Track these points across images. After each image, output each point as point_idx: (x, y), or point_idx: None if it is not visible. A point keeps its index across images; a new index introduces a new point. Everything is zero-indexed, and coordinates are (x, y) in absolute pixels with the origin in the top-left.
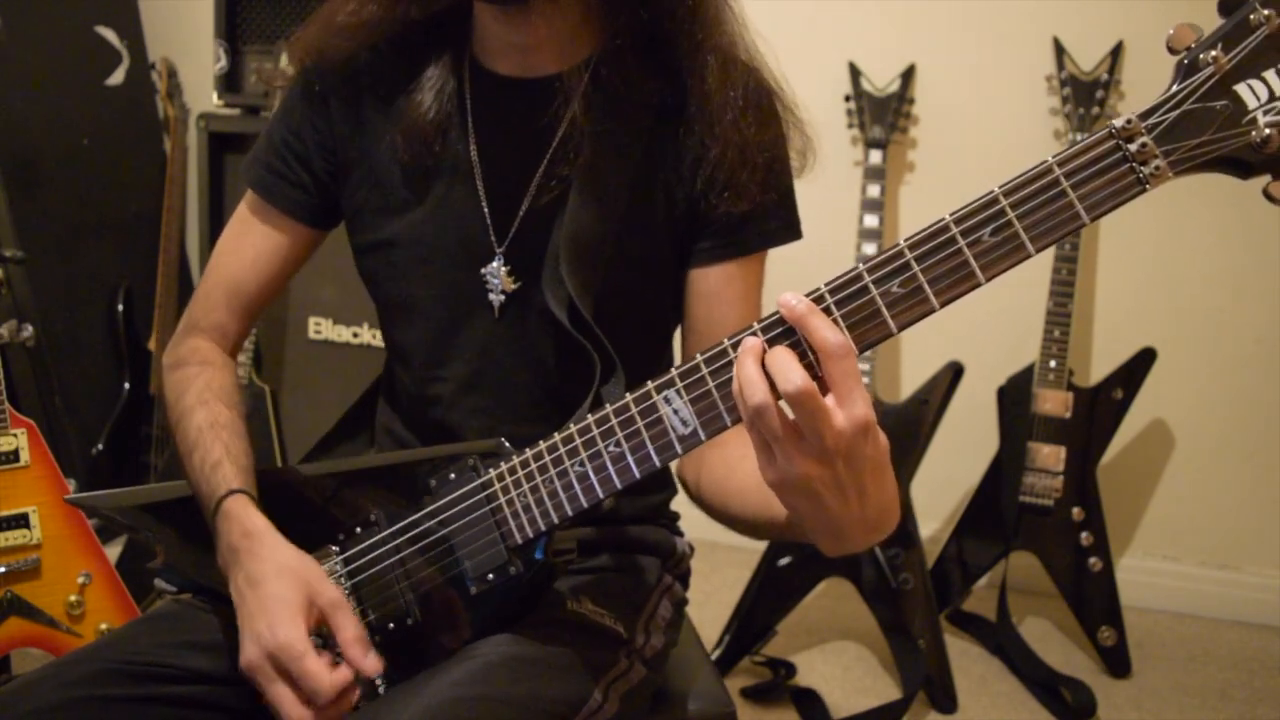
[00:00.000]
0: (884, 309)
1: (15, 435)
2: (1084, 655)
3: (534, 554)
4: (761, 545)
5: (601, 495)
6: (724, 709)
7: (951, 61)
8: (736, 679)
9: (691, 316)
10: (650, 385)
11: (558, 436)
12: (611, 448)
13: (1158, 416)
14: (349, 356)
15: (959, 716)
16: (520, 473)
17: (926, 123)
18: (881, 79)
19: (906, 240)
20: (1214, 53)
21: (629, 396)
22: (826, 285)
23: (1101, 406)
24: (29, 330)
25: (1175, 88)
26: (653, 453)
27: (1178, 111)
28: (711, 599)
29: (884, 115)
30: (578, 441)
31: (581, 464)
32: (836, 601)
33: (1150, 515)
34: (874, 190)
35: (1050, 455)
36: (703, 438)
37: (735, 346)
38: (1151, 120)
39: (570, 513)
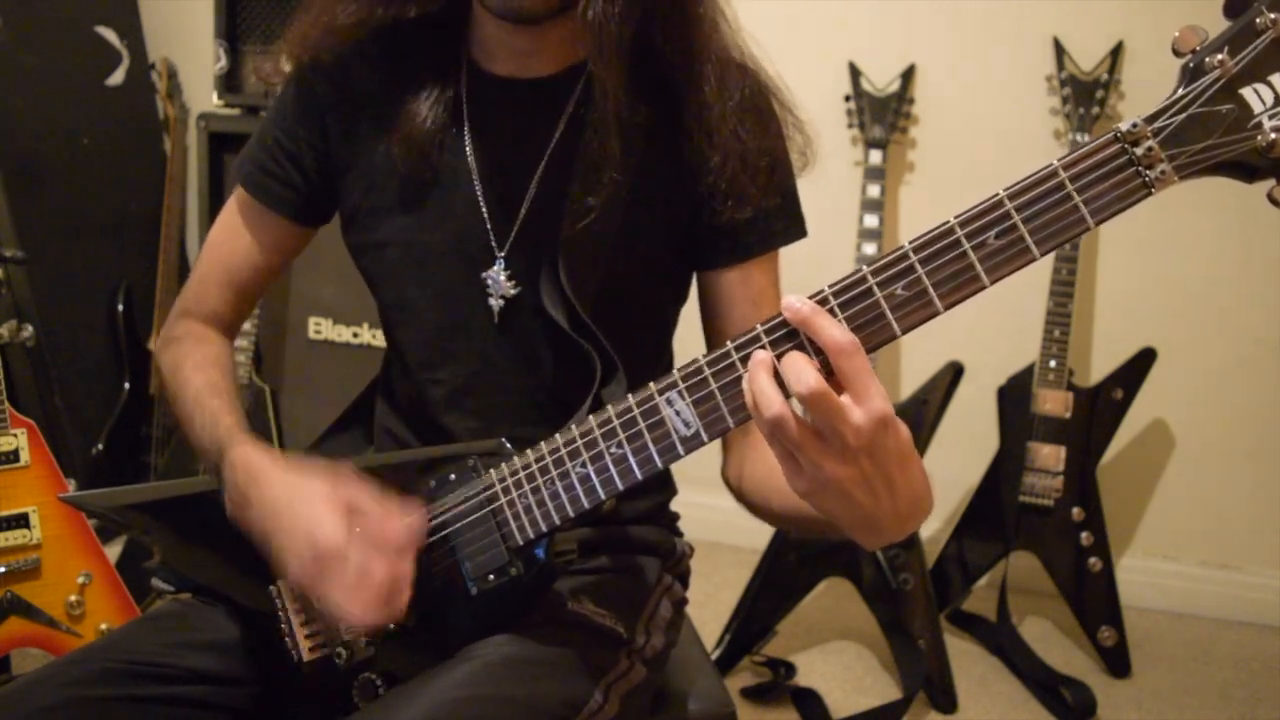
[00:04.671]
0: (888, 311)
1: (15, 435)
2: (1084, 655)
3: (535, 555)
4: (762, 545)
5: (603, 496)
6: (724, 709)
7: (951, 61)
8: (736, 679)
9: (709, 320)
10: (653, 387)
11: (559, 438)
12: (614, 449)
13: (1158, 416)
14: (349, 356)
15: (959, 716)
16: (521, 474)
17: (926, 123)
18: (881, 79)
19: (911, 243)
20: (1220, 56)
21: (631, 398)
22: (830, 288)
23: (1101, 406)
24: (29, 330)
25: (1181, 91)
26: (655, 454)
27: (1184, 115)
28: (711, 599)
29: (884, 115)
30: (579, 443)
31: (583, 465)
32: (836, 601)
33: (1150, 515)
34: (874, 190)
35: (1050, 455)
36: (705, 439)
37: (738, 349)
38: (1158, 124)
39: (572, 514)
